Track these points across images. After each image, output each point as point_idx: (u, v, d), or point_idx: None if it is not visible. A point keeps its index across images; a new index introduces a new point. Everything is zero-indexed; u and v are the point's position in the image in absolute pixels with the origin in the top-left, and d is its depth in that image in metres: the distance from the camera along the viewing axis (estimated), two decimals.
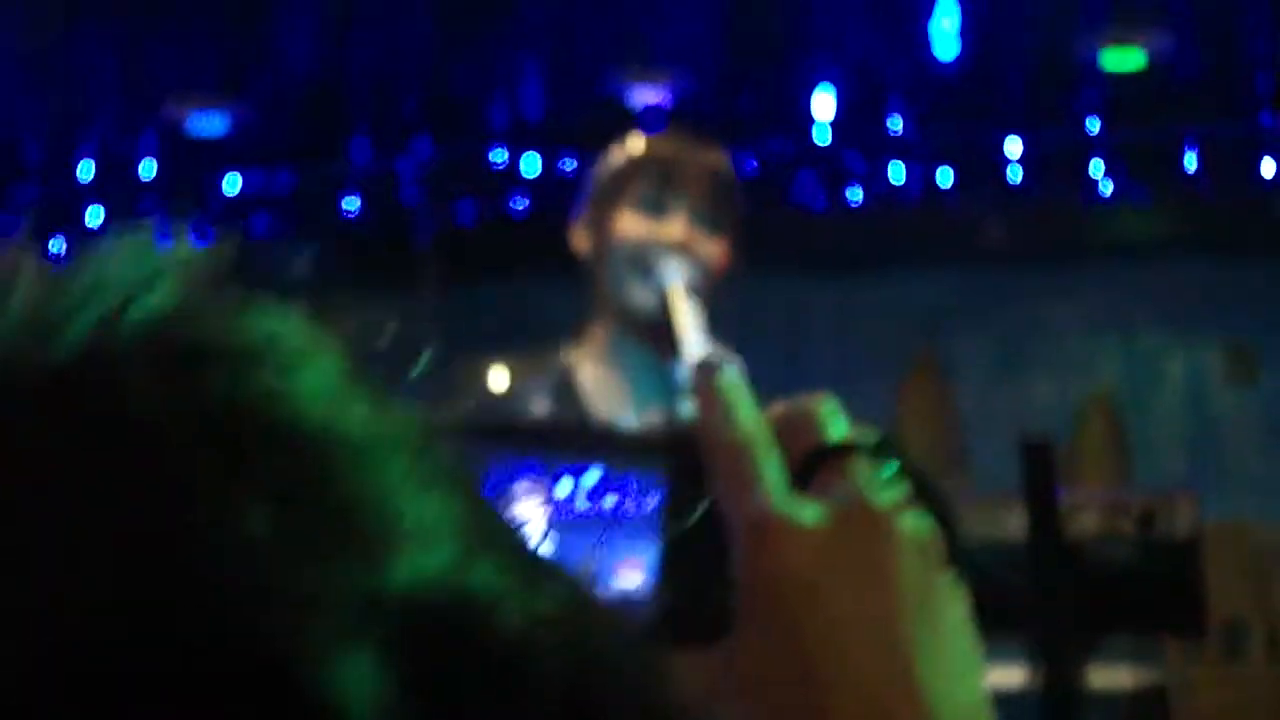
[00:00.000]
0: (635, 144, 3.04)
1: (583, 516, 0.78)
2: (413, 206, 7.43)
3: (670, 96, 6.66)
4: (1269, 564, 5.51)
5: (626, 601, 0.77)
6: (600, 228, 2.97)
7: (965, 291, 7.25)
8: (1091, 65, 6.47)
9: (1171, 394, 7.10)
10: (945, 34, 6.32)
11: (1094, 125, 6.86)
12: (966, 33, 6.36)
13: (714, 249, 2.93)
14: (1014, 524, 3.56)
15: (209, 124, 7.13)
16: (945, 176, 7.02)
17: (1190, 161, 6.83)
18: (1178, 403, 7.08)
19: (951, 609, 0.79)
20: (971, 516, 3.92)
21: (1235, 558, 5.40)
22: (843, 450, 0.79)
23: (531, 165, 7.16)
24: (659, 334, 2.84)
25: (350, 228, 7.56)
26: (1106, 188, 6.90)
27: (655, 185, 2.94)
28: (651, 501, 0.78)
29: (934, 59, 6.50)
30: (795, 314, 7.26)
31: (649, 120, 6.56)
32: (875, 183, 7.11)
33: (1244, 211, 6.96)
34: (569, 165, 7.03)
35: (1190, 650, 5.07)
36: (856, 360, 7.22)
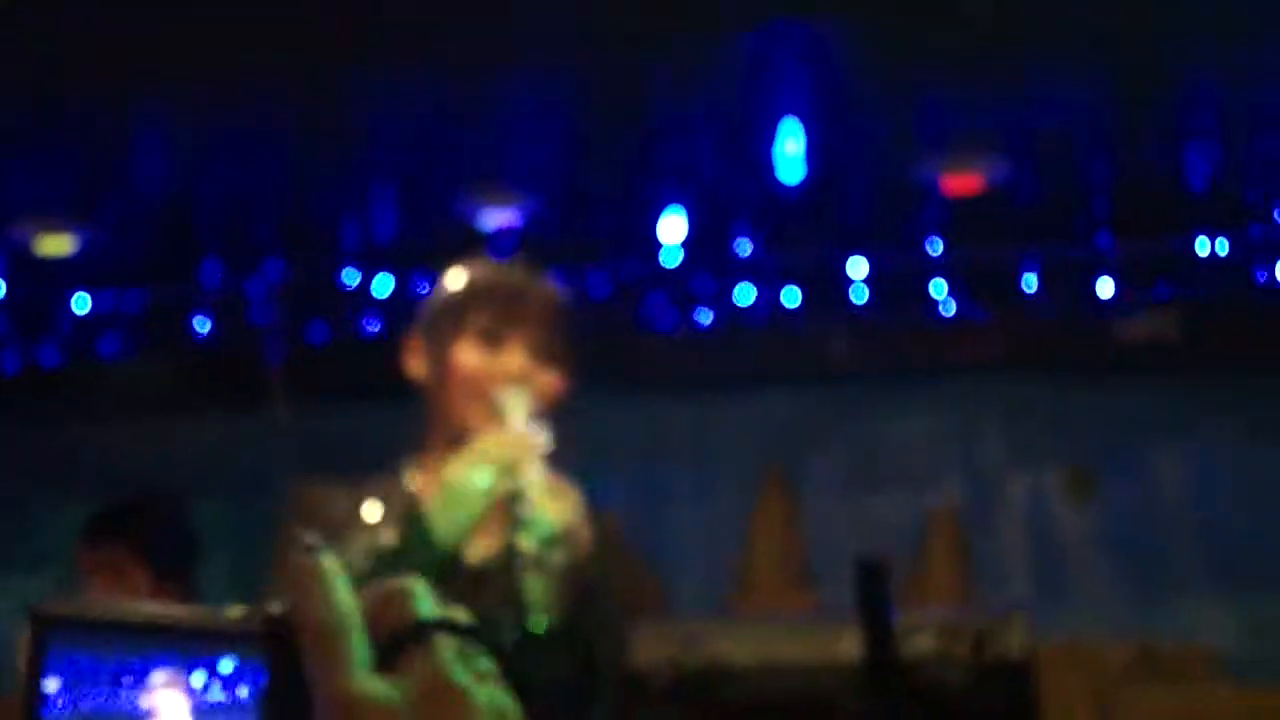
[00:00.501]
0: (473, 273, 3.04)
1: (220, 706, 0.81)
2: (264, 327, 7.42)
3: (521, 218, 6.72)
4: (1114, 684, 5.60)
5: None
6: (438, 356, 2.97)
7: (813, 409, 7.34)
8: (932, 188, 6.61)
9: (1013, 512, 7.22)
10: (790, 158, 6.44)
11: (935, 247, 7.01)
12: (810, 157, 6.47)
13: (550, 380, 2.95)
14: (850, 645, 3.63)
15: (59, 244, 7.09)
16: (792, 297, 7.12)
17: (1029, 282, 6.99)
18: (1019, 520, 7.20)
19: None
20: (812, 638, 3.98)
21: (1078, 677, 5.49)
22: (428, 628, 0.82)
23: (384, 286, 7.19)
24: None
25: (201, 348, 7.53)
26: (949, 307, 7.04)
27: (493, 317, 2.94)
28: (255, 685, 0.81)
29: (779, 183, 6.62)
30: (651, 434, 7.32)
31: (500, 242, 6.62)
32: (723, 304, 7.20)
33: (1082, 332, 7.13)
34: (421, 287, 7.07)
35: None
36: (712, 479, 7.30)
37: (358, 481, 2.99)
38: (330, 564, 0.83)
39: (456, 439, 2.90)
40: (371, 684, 0.80)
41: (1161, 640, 6.07)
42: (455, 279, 3.03)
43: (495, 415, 2.88)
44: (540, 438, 2.86)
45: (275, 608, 0.82)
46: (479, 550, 2.97)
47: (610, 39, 5.60)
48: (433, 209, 6.85)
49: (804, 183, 6.63)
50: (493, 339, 2.93)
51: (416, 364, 3.03)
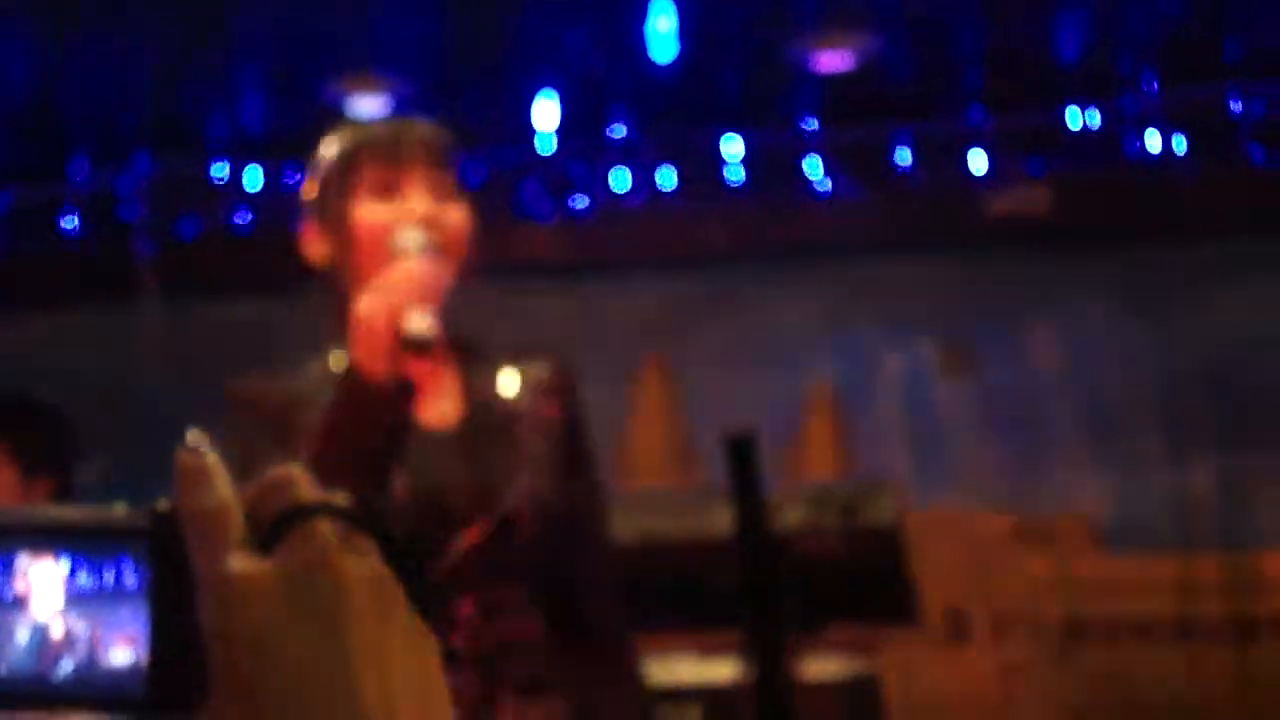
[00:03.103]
0: (353, 132, 2.94)
1: (82, 595, 0.82)
2: (133, 222, 7.33)
3: (391, 106, 6.66)
4: (990, 553, 5.67)
5: (119, 676, 0.81)
6: (337, 227, 2.86)
7: (690, 292, 7.35)
8: (805, 66, 6.60)
9: (889, 388, 7.26)
10: (661, 37, 6.40)
11: (810, 124, 7.00)
12: (683, 35, 6.44)
13: (457, 215, 2.83)
14: (722, 520, 3.65)
15: None
16: (668, 178, 7.10)
17: (903, 157, 7.00)
18: (896, 396, 7.24)
19: (409, 651, 0.84)
20: (685, 514, 3.99)
21: (954, 547, 5.55)
22: (306, 511, 0.84)
23: (254, 179, 7.10)
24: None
25: (70, 246, 7.43)
26: (824, 186, 7.04)
27: (385, 166, 2.83)
28: (141, 579, 0.82)
29: (652, 63, 6.58)
30: (525, 322, 7.29)
31: None
32: (599, 188, 7.18)
33: (956, 207, 7.15)
34: (292, 178, 6.99)
35: (912, 638, 5.20)
36: (589, 365, 7.28)
37: (290, 373, 2.90)
38: (212, 459, 0.85)
39: None
40: (246, 564, 0.82)
41: (1037, 511, 6.14)
42: (335, 142, 2.91)
43: (397, 255, 2.72)
44: (444, 274, 2.72)
45: (162, 505, 0.84)
46: (433, 416, 2.87)
47: None
48: (302, 99, 6.77)
49: (677, 62, 6.59)
50: (389, 189, 2.82)
51: (316, 246, 2.91)
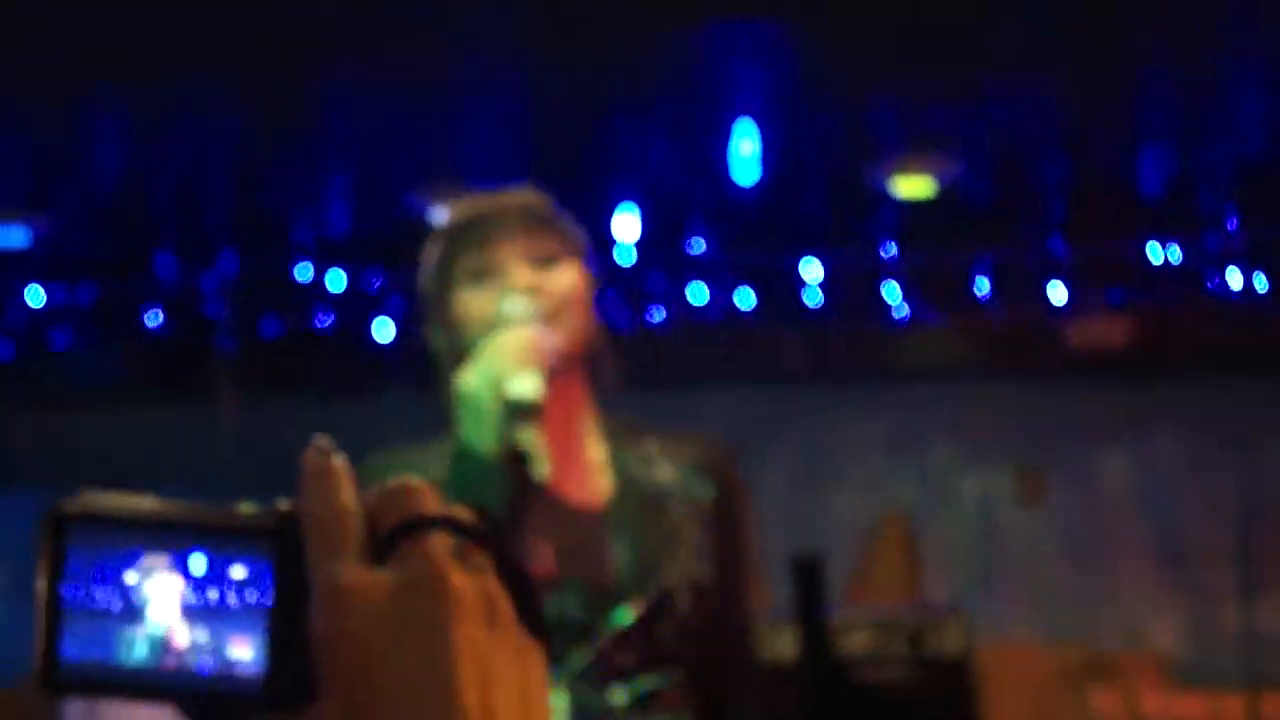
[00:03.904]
0: (446, 221, 2.78)
1: (203, 592, 0.83)
2: (216, 320, 7.39)
3: None
4: (1058, 688, 5.60)
5: (236, 673, 0.82)
6: (445, 317, 2.72)
7: (766, 409, 7.33)
8: (885, 191, 6.61)
9: (962, 513, 7.22)
10: (744, 159, 6.44)
11: (889, 249, 7.01)
12: (765, 158, 6.47)
13: (562, 277, 2.67)
14: (787, 644, 3.62)
15: (12, 236, 7.06)
16: (745, 298, 7.11)
17: (982, 285, 6.99)
18: (968, 522, 7.20)
19: (515, 666, 0.85)
20: (761, 638, 3.96)
21: (1022, 681, 5.48)
22: (425, 523, 0.85)
23: (337, 281, 7.16)
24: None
25: (153, 341, 7.50)
26: (902, 310, 7.04)
27: (477, 249, 2.68)
28: (262, 580, 0.84)
29: (733, 183, 6.61)
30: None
31: None
32: (677, 302, 7.19)
33: (1034, 335, 7.13)
34: (373, 282, 7.05)
35: None
36: None
37: (416, 449, 2.78)
38: (337, 462, 0.86)
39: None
40: (359, 572, 0.83)
41: (1106, 644, 6.08)
42: (434, 236, 2.77)
43: (499, 328, 2.57)
44: (551, 339, 2.55)
45: (285, 505, 0.85)
46: (581, 494, 2.74)
47: (565, 35, 5.59)
48: (385, 205, 6.83)
49: (758, 183, 6.62)
50: (486, 271, 2.67)
51: (434, 343, 2.77)
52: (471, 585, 0.84)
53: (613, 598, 2.69)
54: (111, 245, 7.51)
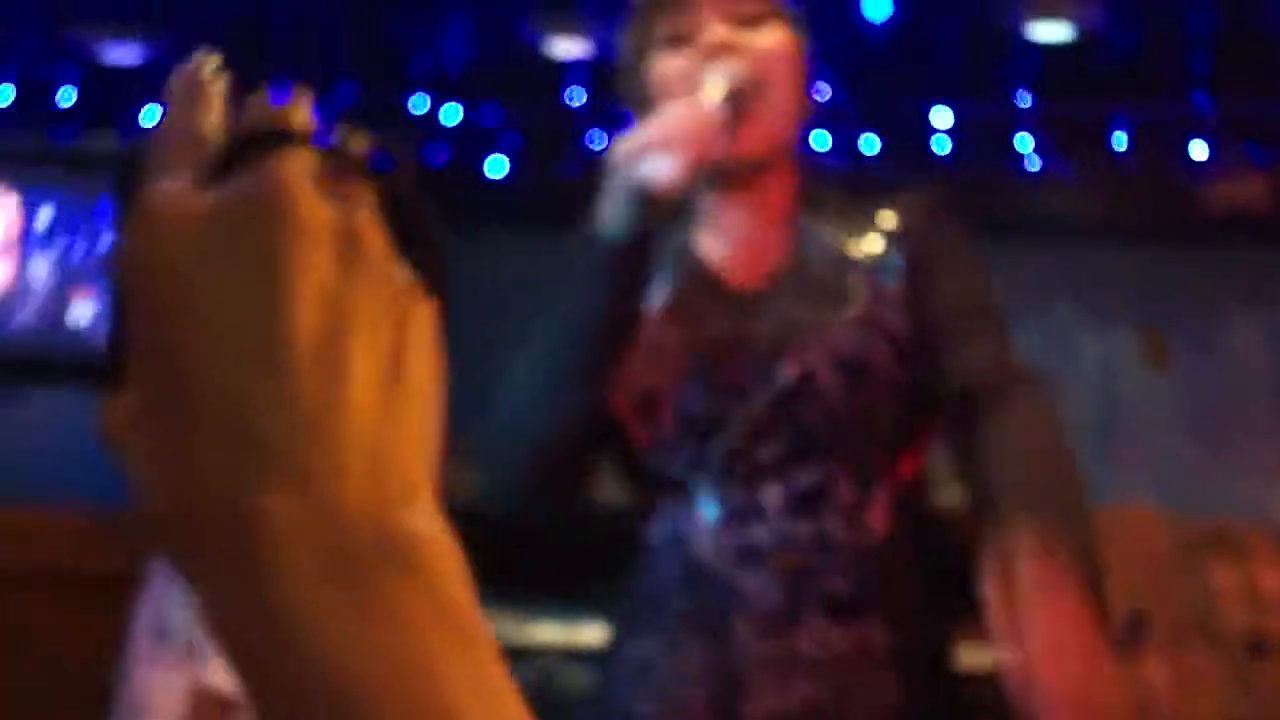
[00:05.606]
0: None
1: (45, 236, 0.68)
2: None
3: (593, 49, 6.54)
4: (1174, 559, 5.44)
5: (80, 334, 0.67)
6: (641, 93, 2.59)
7: None
8: (1021, 37, 6.37)
9: (1085, 374, 7.01)
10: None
11: (1023, 99, 6.75)
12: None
13: (767, 39, 2.53)
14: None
15: (126, 54, 6.99)
16: (870, 145, 6.90)
17: (1119, 140, 6.72)
18: (1091, 383, 7.00)
19: (385, 321, 0.68)
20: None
21: (1138, 549, 5.33)
22: (280, 137, 0.70)
23: (451, 115, 7.02)
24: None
25: None
26: (1033, 162, 6.79)
27: (676, 11, 2.54)
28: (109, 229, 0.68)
29: (864, 22, 6.39)
30: None
31: (569, 73, 6.45)
32: (799, 148, 7.00)
33: (1170, 194, 6.87)
34: (488, 116, 6.91)
35: None
36: None
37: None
38: (209, 81, 0.77)
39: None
40: (177, 193, 0.69)
41: (1227, 518, 5.88)
42: (631, 9, 2.66)
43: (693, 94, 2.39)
44: (731, 111, 2.37)
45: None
46: (748, 276, 2.58)
47: None
48: (503, 38, 6.68)
49: (889, 27, 6.39)
50: (685, 35, 2.52)
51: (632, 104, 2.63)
52: (327, 214, 0.67)
53: (744, 383, 2.47)
54: (227, 71, 7.42)
